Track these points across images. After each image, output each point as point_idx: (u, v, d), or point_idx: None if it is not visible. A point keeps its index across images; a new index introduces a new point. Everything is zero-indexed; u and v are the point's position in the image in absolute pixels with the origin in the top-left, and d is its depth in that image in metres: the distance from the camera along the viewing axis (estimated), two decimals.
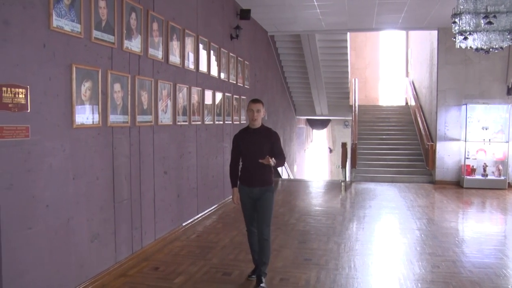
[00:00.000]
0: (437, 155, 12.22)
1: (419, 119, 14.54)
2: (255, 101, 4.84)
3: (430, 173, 12.78)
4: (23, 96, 3.64)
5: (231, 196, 9.26)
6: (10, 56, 3.53)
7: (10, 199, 3.56)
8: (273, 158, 4.58)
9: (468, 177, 11.65)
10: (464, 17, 7.26)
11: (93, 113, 4.61)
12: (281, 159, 4.80)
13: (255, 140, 4.75)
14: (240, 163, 4.93)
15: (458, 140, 12.02)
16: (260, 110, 4.79)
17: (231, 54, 9.17)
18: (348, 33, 14.76)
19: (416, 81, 16.56)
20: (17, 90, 3.58)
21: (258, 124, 4.83)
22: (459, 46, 7.80)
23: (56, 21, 4.01)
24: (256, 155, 4.63)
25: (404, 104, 18.29)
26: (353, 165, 13.05)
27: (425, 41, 14.63)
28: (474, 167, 11.72)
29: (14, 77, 3.57)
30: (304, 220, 7.80)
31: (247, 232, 4.99)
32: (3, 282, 3.49)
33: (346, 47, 15.23)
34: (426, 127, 13.74)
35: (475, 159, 11.71)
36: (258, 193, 4.74)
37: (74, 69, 4.26)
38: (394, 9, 10.30)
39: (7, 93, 3.47)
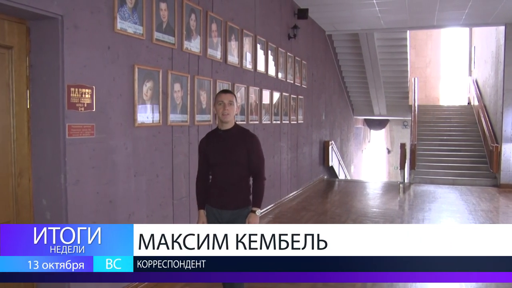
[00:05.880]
0: (503, 157, 11.68)
1: (483, 119, 13.96)
2: (225, 91, 3.60)
3: (495, 176, 12.24)
4: (89, 96, 3.81)
5: (287, 196, 9.35)
6: (78, 58, 3.71)
7: (76, 194, 3.74)
8: (255, 213, 3.48)
9: None
10: None
11: (153, 112, 4.74)
12: (260, 187, 3.53)
13: (225, 144, 3.51)
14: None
15: None
16: (233, 102, 3.48)
17: (288, 53, 9.17)
18: (408, 31, 14.41)
19: (480, 80, 15.92)
20: (84, 90, 3.75)
21: (230, 123, 3.52)
22: None
23: (120, 24, 4.17)
24: (226, 166, 3.50)
25: (466, 104, 17.64)
26: (412, 167, 12.72)
27: (490, 37, 14.04)
28: None
29: (82, 78, 3.74)
30: (361, 222, 7.68)
31: None
32: None
33: (406, 46, 14.87)
34: (490, 128, 13.17)
35: None
36: (229, 219, 3.46)
37: (136, 69, 4.41)
38: (457, 5, 9.94)
39: (75, 93, 3.65)
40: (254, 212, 3.49)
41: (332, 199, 10.19)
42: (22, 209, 3.64)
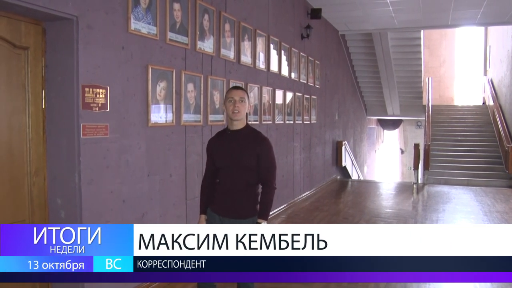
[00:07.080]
0: None
1: (498, 119, 13.82)
2: (236, 87, 3.34)
3: (510, 177, 12.10)
4: (103, 96, 3.84)
5: (300, 196, 9.33)
6: (93, 58, 3.74)
7: (91, 194, 3.76)
8: (262, 221, 3.18)
9: None
10: None
11: (167, 112, 4.76)
12: (268, 196, 3.23)
13: (233, 146, 3.23)
14: None
15: None
16: (244, 100, 3.21)
17: (301, 53, 9.15)
18: (422, 31, 14.31)
19: (495, 80, 15.76)
20: (98, 90, 3.78)
21: (241, 123, 3.26)
22: None
23: (134, 24, 4.19)
24: (232, 170, 3.24)
25: (481, 104, 17.47)
26: (425, 167, 12.63)
27: (506, 36, 13.90)
28: None
29: (96, 78, 3.77)
30: (375, 222, 7.64)
31: None
32: None
33: (420, 45, 14.77)
34: (506, 128, 13.03)
35: None
36: None
37: (150, 69, 4.43)
38: (472, 4, 9.84)
39: (89, 93, 3.68)
40: (260, 224, 3.15)
41: (345, 200, 10.15)
42: (37, 208, 3.68)
